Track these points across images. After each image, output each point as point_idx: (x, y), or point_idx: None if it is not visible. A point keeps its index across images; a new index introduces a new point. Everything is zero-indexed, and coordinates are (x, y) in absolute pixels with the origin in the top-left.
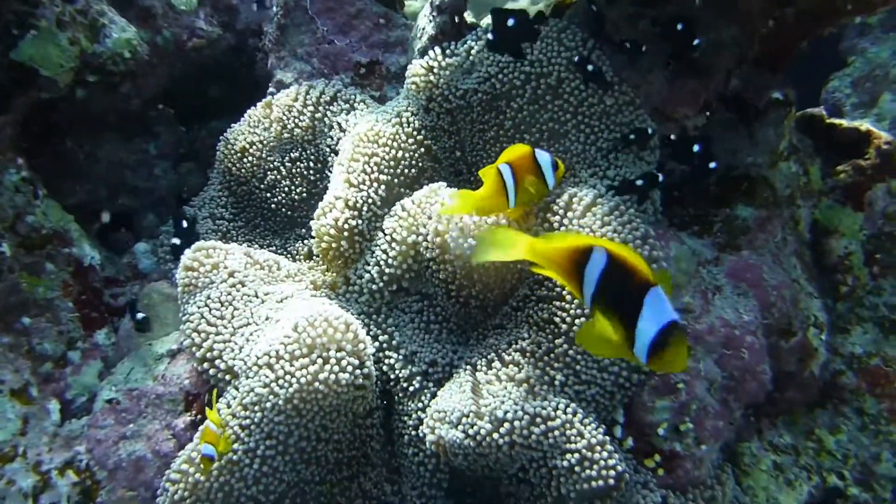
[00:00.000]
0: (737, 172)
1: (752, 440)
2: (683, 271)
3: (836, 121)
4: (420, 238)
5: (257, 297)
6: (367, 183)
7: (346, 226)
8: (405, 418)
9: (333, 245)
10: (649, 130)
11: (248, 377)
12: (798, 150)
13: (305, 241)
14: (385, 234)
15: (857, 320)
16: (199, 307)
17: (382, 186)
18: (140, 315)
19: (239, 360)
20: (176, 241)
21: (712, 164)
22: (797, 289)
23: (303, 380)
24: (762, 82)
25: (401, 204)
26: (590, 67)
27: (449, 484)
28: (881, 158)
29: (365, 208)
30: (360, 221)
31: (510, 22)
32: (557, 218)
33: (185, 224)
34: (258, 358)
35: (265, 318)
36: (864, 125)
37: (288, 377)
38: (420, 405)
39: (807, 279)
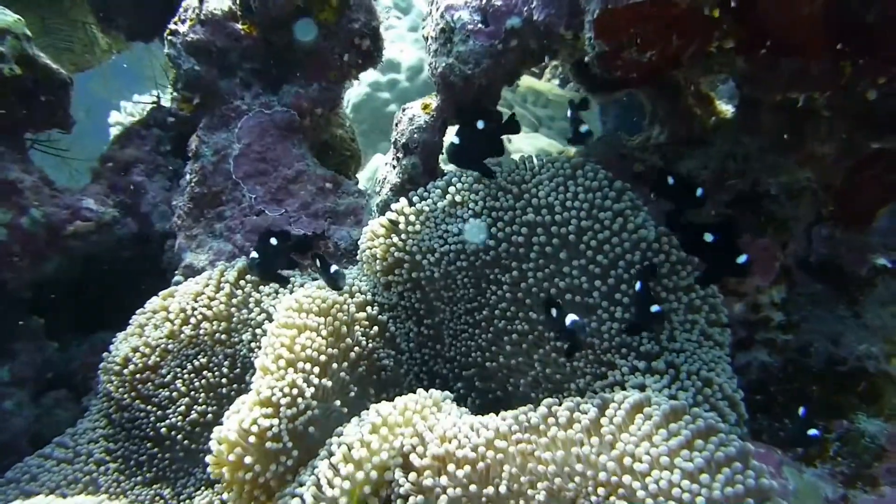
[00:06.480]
0: (845, 367)
1: None
2: None
3: None
4: (395, 453)
5: None
6: (294, 367)
7: (253, 429)
8: None
9: (235, 463)
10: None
11: None
12: None
13: (214, 488)
14: (338, 439)
15: None
16: None
17: (315, 375)
18: None
19: None
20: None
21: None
22: None
23: None
24: (855, 243)
25: (375, 408)
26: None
27: None
28: None
29: (284, 402)
30: (278, 422)
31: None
32: (597, 435)
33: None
34: None
35: None
36: None
37: None
38: None
39: None
